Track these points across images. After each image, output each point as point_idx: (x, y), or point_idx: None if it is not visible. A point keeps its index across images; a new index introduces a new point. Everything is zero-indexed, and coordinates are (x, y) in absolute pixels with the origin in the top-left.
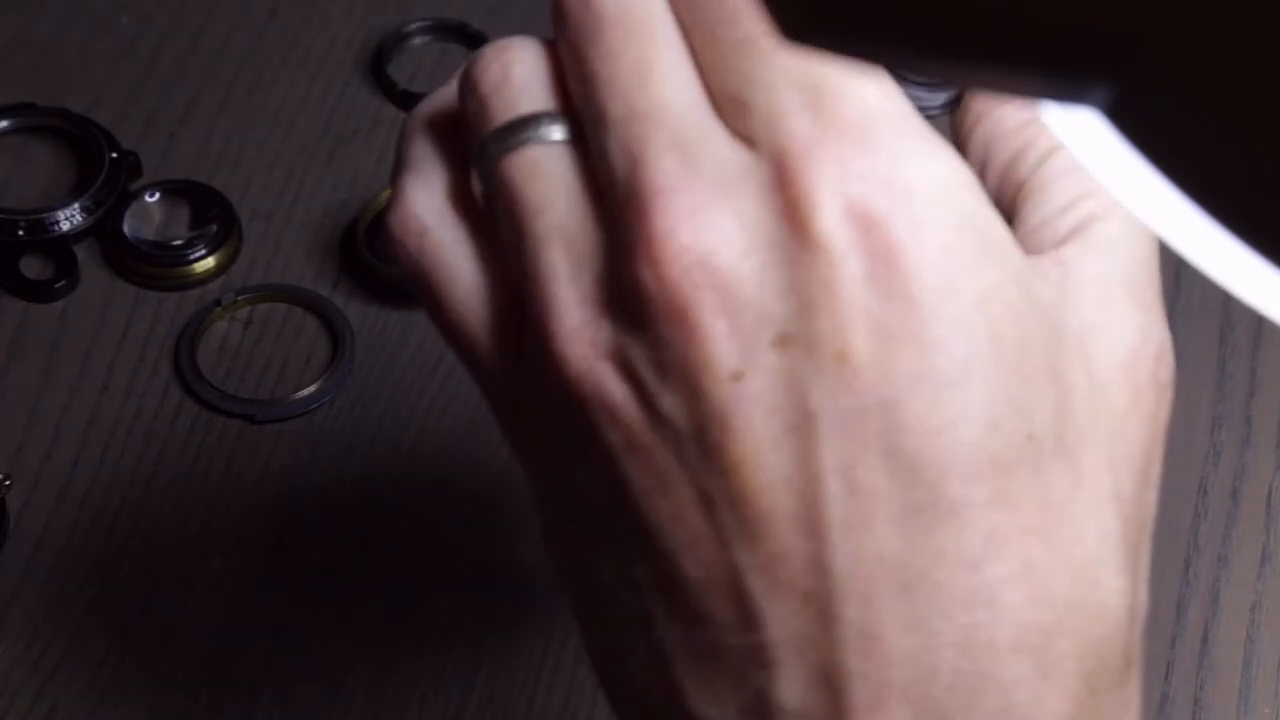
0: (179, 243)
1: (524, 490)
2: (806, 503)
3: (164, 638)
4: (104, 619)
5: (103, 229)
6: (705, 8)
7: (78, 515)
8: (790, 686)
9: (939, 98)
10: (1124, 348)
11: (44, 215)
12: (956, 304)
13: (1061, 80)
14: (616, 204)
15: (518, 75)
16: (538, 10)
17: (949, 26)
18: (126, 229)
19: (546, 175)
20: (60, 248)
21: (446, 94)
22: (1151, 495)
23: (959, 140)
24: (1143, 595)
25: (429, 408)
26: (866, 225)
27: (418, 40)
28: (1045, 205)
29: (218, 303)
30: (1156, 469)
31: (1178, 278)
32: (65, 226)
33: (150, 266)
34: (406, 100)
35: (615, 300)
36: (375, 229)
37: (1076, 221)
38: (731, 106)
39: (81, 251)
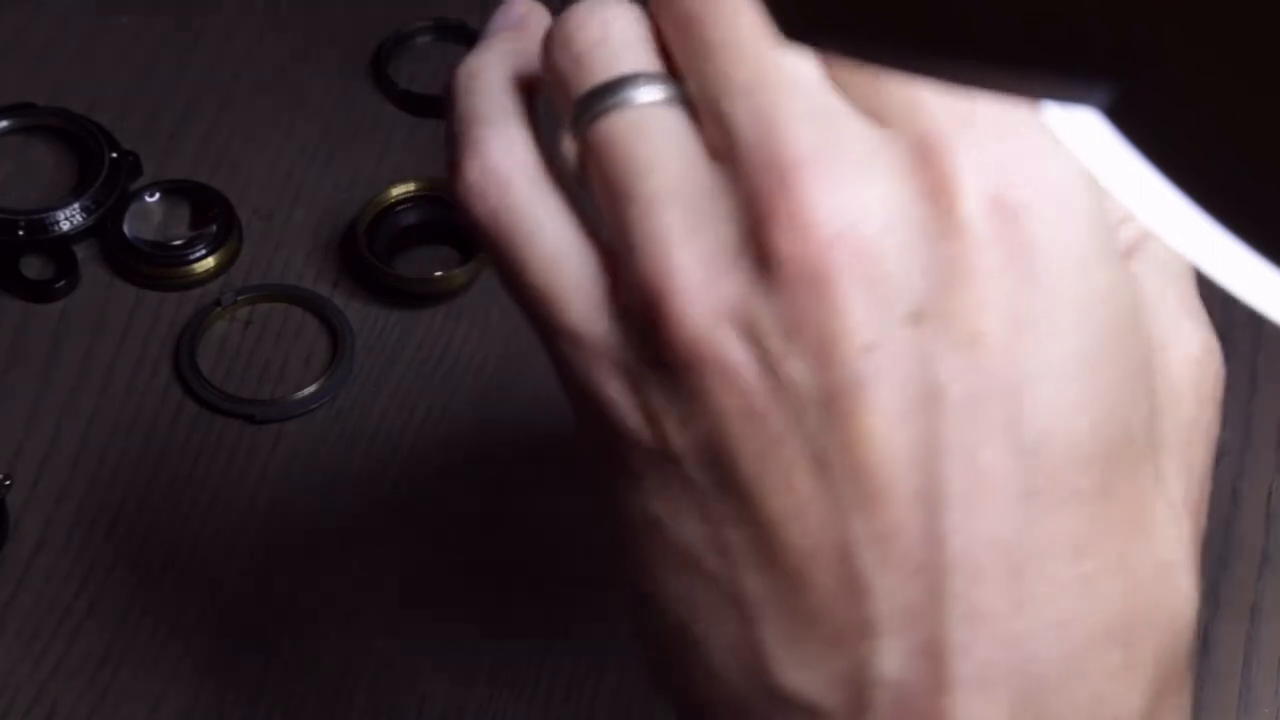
0: (179, 243)
1: (524, 490)
2: (928, 478)
3: (164, 637)
4: (104, 619)
5: (103, 229)
6: None
7: (78, 515)
8: (892, 658)
9: None
10: (1192, 362)
11: (44, 215)
12: (1086, 297)
13: (1061, 80)
14: (747, 170)
15: (617, 33)
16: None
17: (949, 26)
18: (126, 229)
19: (655, 135)
20: (60, 248)
21: (504, 49)
22: (1205, 502)
23: None
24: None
25: (429, 408)
26: (1008, 214)
27: (418, 40)
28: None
29: (218, 303)
30: (1210, 482)
31: None
32: (65, 226)
33: (150, 266)
34: (406, 100)
35: (742, 264)
36: (375, 229)
37: (1132, 237)
38: (861, 86)
39: (81, 251)
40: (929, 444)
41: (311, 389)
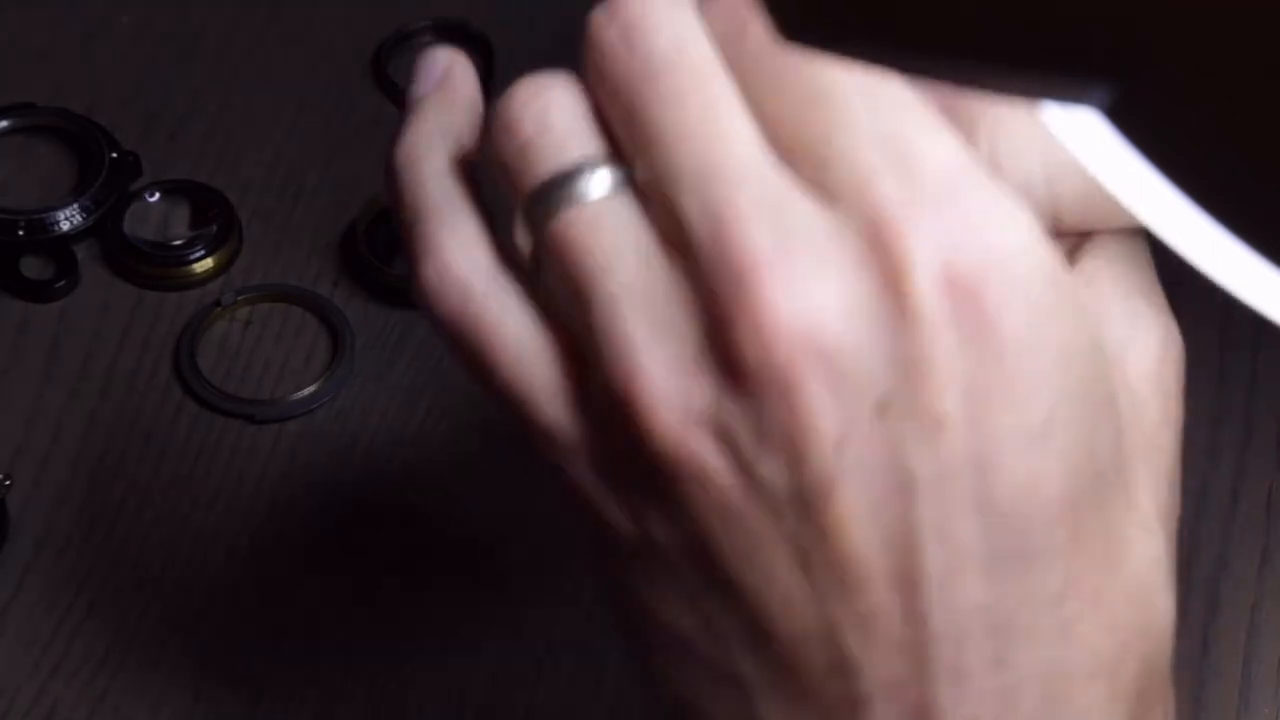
0: (179, 243)
1: (525, 490)
2: (904, 560)
3: (164, 637)
4: (104, 619)
5: (103, 229)
6: (765, 56)
7: (78, 515)
8: None
9: None
10: (1153, 359)
11: (44, 215)
12: (1043, 360)
13: (1061, 80)
14: (702, 269)
15: (558, 119)
16: (539, 10)
17: (949, 27)
18: (126, 229)
19: (609, 232)
20: (60, 248)
21: (437, 125)
22: (1177, 497)
23: None
24: (1172, 606)
25: (429, 407)
26: (962, 294)
27: (418, 40)
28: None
29: (218, 303)
30: (1179, 470)
31: (1178, 278)
32: (65, 226)
33: (150, 266)
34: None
35: (707, 368)
36: (375, 229)
37: (1075, 238)
38: (808, 161)
39: (81, 251)
40: (903, 528)
41: (311, 389)
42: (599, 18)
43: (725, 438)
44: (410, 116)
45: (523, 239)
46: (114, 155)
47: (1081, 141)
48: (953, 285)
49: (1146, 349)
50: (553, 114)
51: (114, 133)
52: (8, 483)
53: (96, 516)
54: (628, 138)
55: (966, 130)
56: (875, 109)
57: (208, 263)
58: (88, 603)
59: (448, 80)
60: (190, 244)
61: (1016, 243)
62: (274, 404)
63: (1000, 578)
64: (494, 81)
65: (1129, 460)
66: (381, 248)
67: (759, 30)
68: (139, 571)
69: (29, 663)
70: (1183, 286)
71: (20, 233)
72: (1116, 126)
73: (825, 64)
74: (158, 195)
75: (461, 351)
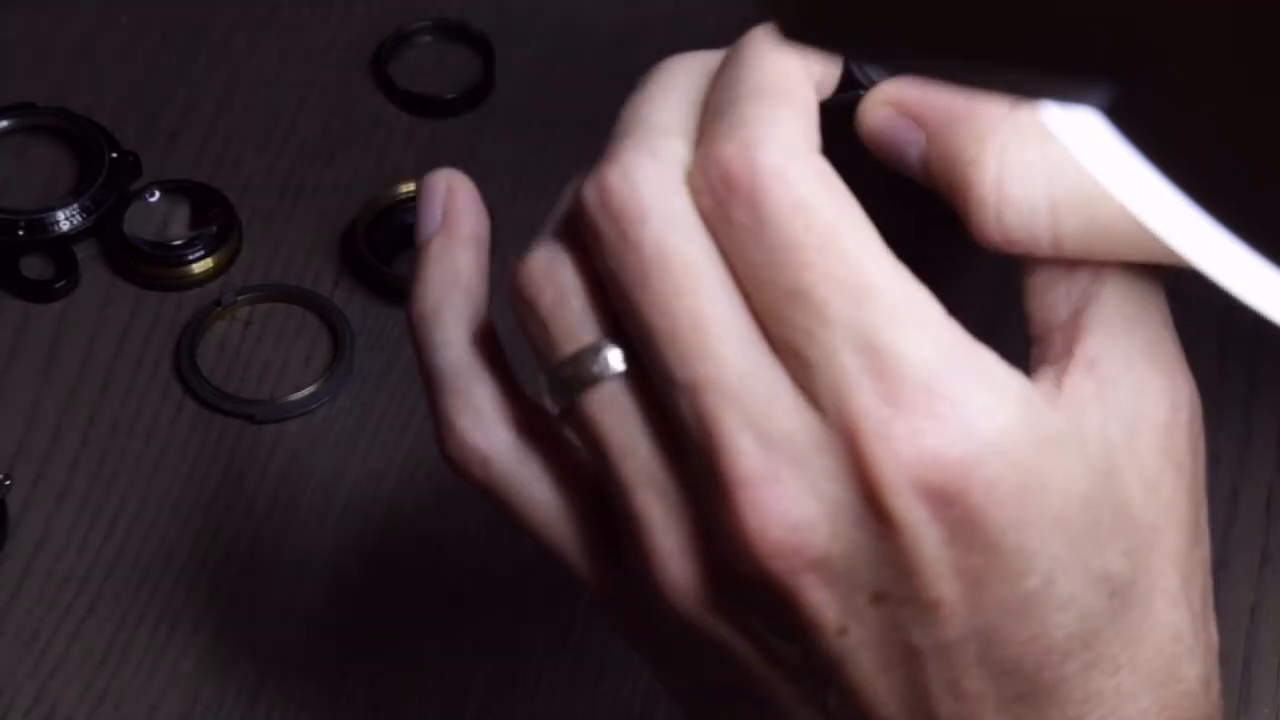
0: (179, 243)
1: None
2: (921, 712)
3: (164, 637)
4: (104, 619)
5: (103, 229)
6: (751, 251)
7: (78, 515)
8: None
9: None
10: (1161, 430)
11: (44, 215)
12: (1034, 534)
13: (1061, 80)
14: (698, 472)
15: (573, 297)
16: (539, 10)
17: (949, 26)
18: (126, 229)
19: (626, 411)
20: (60, 248)
21: (449, 279)
22: (1203, 548)
23: None
24: (1213, 634)
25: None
26: (940, 498)
27: (418, 40)
28: (1049, 264)
29: (218, 303)
30: (1204, 516)
31: (1178, 278)
32: (65, 226)
33: (150, 266)
34: (407, 100)
35: (717, 564)
36: (375, 229)
37: (1083, 288)
38: (791, 358)
39: (81, 251)
40: (915, 687)
41: (311, 389)
42: (589, 196)
43: (739, 622)
44: (418, 267)
45: (551, 403)
46: (114, 155)
47: (1081, 141)
48: (929, 492)
49: (1154, 419)
50: (567, 291)
51: (114, 133)
52: (8, 483)
53: (96, 516)
54: (629, 330)
55: (976, 146)
56: (856, 305)
57: (208, 263)
58: (88, 603)
59: (450, 218)
60: (190, 244)
61: (994, 434)
62: (274, 404)
63: (1015, 713)
64: (494, 81)
65: (1148, 547)
66: (381, 248)
67: (743, 211)
68: (139, 571)
69: (29, 663)
70: (1183, 287)
71: (20, 233)
72: (1116, 126)
73: (810, 246)
74: (158, 195)
75: (499, 508)
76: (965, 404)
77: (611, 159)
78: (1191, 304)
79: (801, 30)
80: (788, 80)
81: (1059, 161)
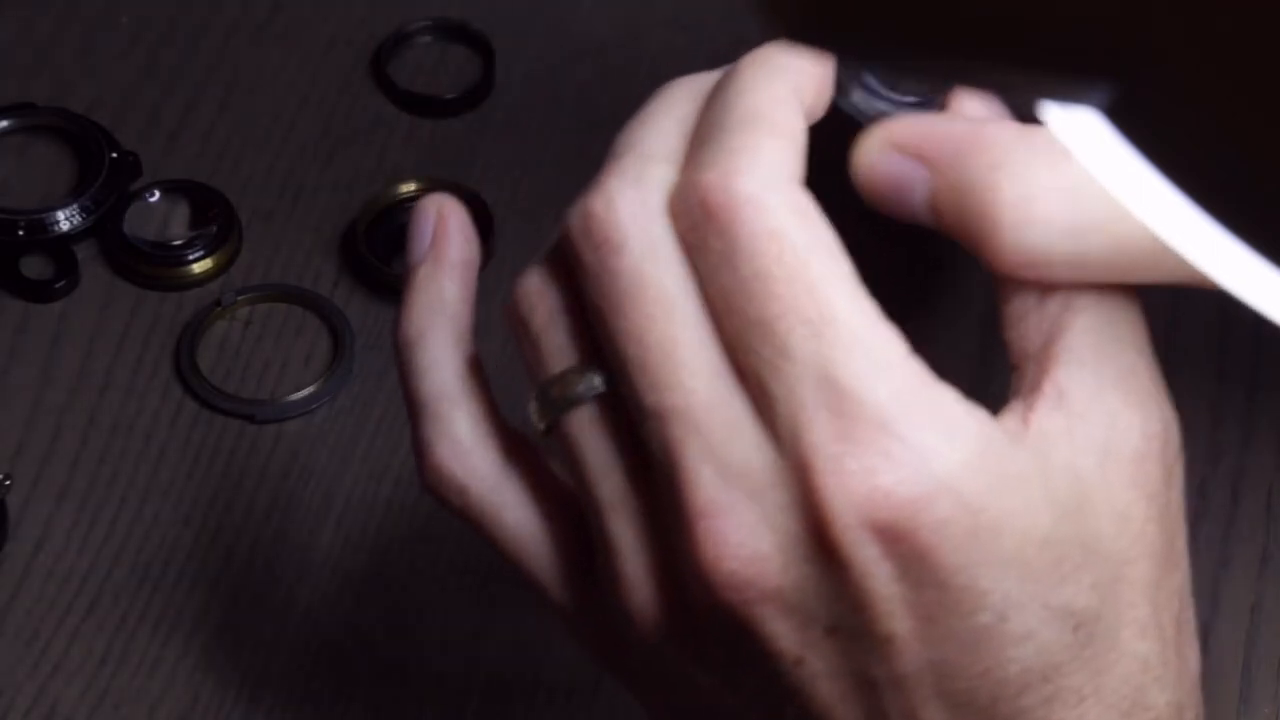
0: (179, 243)
1: None
2: None
3: (164, 637)
4: (104, 619)
5: (103, 229)
6: (724, 279)
7: (78, 515)
8: None
9: (899, 113)
10: (1131, 461)
11: (44, 215)
12: (984, 570)
13: (1061, 80)
14: (663, 498)
15: (561, 318)
16: (537, 10)
17: (949, 26)
18: (126, 229)
19: (602, 436)
20: (60, 248)
21: (436, 302)
22: (1179, 574)
23: None
24: (1192, 662)
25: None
26: (890, 536)
27: (418, 40)
28: (1022, 293)
29: (218, 303)
30: (1181, 542)
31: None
32: (65, 226)
33: (150, 266)
34: (407, 100)
35: (680, 591)
36: (375, 229)
37: (1054, 318)
38: (756, 389)
39: (81, 251)
40: (873, 715)
41: (311, 389)
42: (574, 224)
43: (700, 649)
44: (405, 292)
45: (536, 419)
46: (114, 155)
47: (1081, 141)
48: (879, 529)
49: (1125, 451)
50: (556, 313)
51: (114, 133)
52: (8, 483)
53: (96, 516)
54: (607, 355)
55: (992, 173)
56: (818, 338)
57: (208, 263)
58: (88, 603)
59: (438, 243)
60: (190, 244)
61: (947, 473)
62: (274, 404)
63: None
64: (494, 81)
65: (1116, 578)
66: (381, 248)
67: (718, 238)
68: (139, 571)
69: (29, 663)
70: (1183, 286)
71: (20, 233)
72: (1116, 126)
73: (778, 277)
74: (158, 195)
75: (474, 530)
76: (919, 443)
77: (597, 186)
78: (1192, 304)
79: (801, 30)
80: (776, 109)
81: (1078, 183)
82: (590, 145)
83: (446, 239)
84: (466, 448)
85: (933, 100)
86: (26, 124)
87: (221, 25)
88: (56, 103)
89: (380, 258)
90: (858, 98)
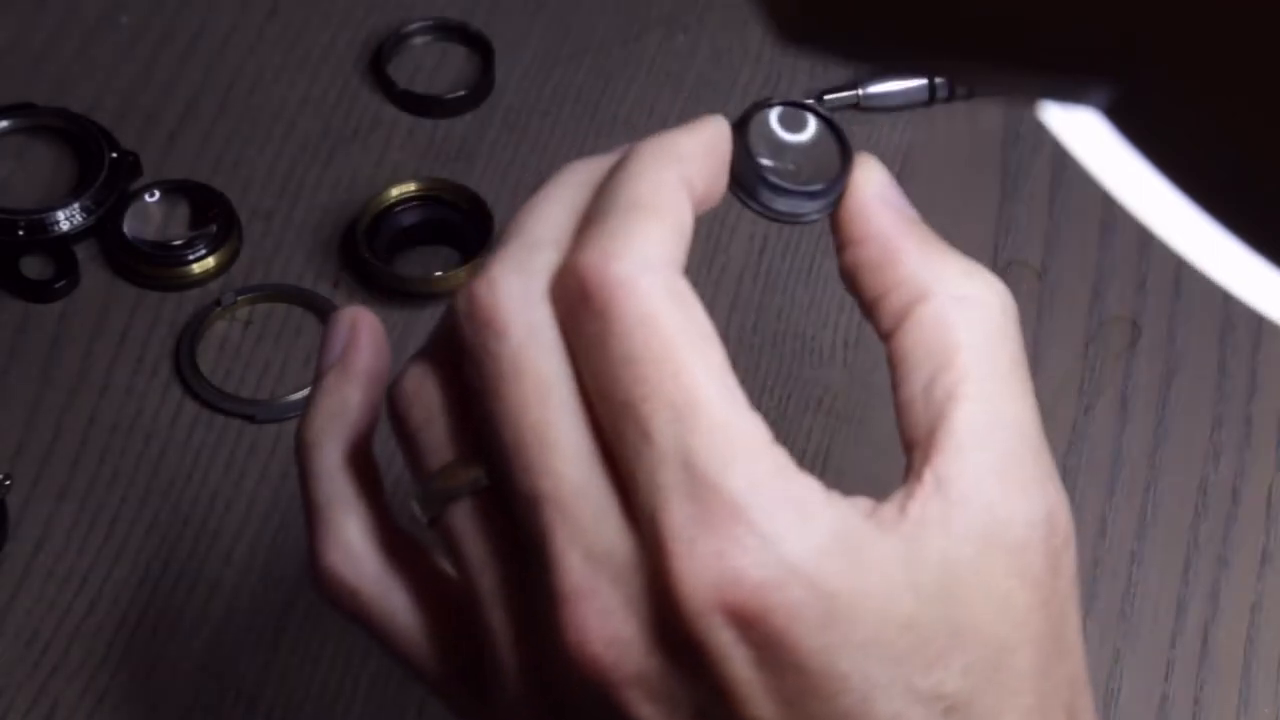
0: (179, 243)
1: None
2: None
3: (164, 638)
4: (104, 619)
5: (103, 229)
6: (597, 362)
7: (78, 515)
8: None
9: (815, 205)
10: (1014, 550)
11: (44, 215)
12: (842, 653)
13: (1061, 80)
14: (535, 583)
15: (439, 415)
16: (537, 10)
17: (949, 27)
18: (126, 229)
19: (478, 530)
20: (60, 248)
21: (335, 409)
22: (1071, 662)
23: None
24: None
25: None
26: (743, 620)
27: (418, 40)
28: (909, 382)
29: (218, 303)
30: (1072, 630)
31: (1178, 278)
32: (65, 226)
33: (150, 266)
34: (406, 100)
35: (551, 677)
36: (375, 229)
37: (939, 407)
38: (622, 472)
39: (81, 251)
40: None
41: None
42: (459, 307)
43: None
44: (311, 396)
45: (420, 513)
46: (114, 155)
47: (1081, 141)
48: (731, 612)
49: (1004, 539)
50: (434, 409)
51: (114, 133)
52: (8, 483)
53: (96, 516)
54: (485, 443)
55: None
56: (679, 423)
57: (208, 263)
58: (88, 603)
59: (349, 353)
60: (190, 244)
61: (800, 558)
62: (274, 404)
63: None
64: (494, 81)
65: (996, 661)
66: (381, 248)
67: (592, 321)
68: (139, 571)
69: (29, 663)
70: (1183, 287)
71: (20, 233)
72: (1116, 126)
73: (646, 360)
74: (158, 195)
75: (369, 635)
76: (770, 529)
77: (484, 271)
78: (1192, 304)
79: (801, 31)
80: (660, 195)
81: None
82: (590, 145)
83: (356, 350)
84: (356, 553)
85: (836, 186)
86: (26, 124)
87: (221, 25)
88: (56, 103)
89: (380, 258)
90: (750, 186)
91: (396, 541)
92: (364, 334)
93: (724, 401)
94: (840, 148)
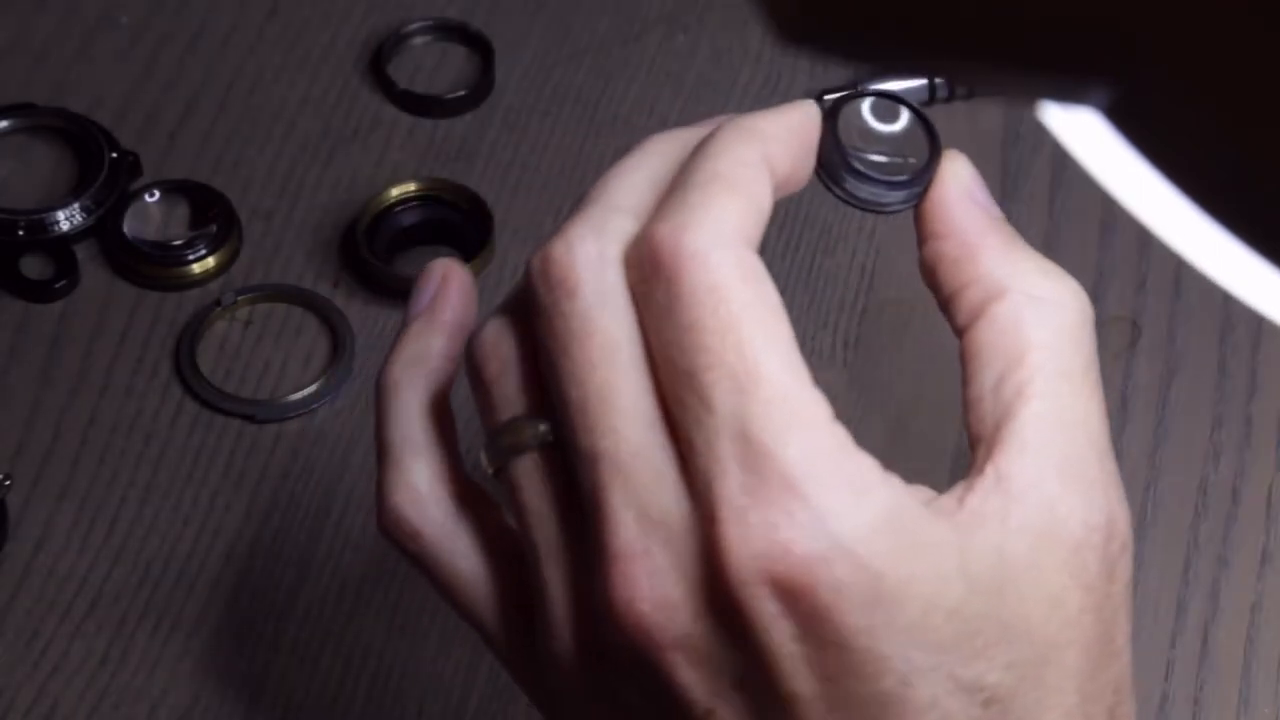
0: (179, 243)
1: None
2: None
3: (164, 637)
4: (104, 619)
5: (103, 229)
6: (664, 330)
7: (78, 515)
8: None
9: (899, 195)
10: (1071, 550)
11: (44, 215)
12: (885, 635)
13: (1061, 80)
14: (590, 537)
15: (514, 368)
16: (537, 10)
17: (949, 27)
18: (126, 229)
19: (543, 483)
20: (60, 248)
21: (418, 354)
22: (1117, 667)
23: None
24: None
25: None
26: (789, 594)
27: (418, 40)
28: (980, 378)
29: (218, 303)
30: (1121, 636)
31: (1178, 278)
32: (65, 226)
33: (150, 266)
34: (406, 100)
35: (598, 635)
36: (375, 229)
37: (1007, 404)
38: (682, 439)
39: (81, 251)
40: None
41: (311, 389)
42: (534, 266)
43: (616, 698)
44: (396, 341)
45: (486, 463)
46: (114, 155)
47: (1081, 141)
48: (777, 584)
49: (1062, 538)
50: (509, 362)
51: (114, 133)
52: (8, 483)
53: (96, 516)
54: (551, 397)
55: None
56: (741, 394)
57: (208, 263)
58: (88, 603)
59: (437, 302)
60: (190, 244)
61: (847, 538)
62: (274, 404)
63: None
64: (494, 81)
65: (1044, 661)
66: (381, 248)
67: (662, 290)
68: (139, 571)
69: (29, 663)
70: (1183, 287)
71: (20, 233)
72: (1116, 126)
73: (711, 330)
74: (158, 195)
75: (425, 576)
76: (822, 504)
77: (561, 231)
78: (1192, 304)
79: (801, 31)
80: (740, 172)
81: None
82: (590, 145)
83: (445, 300)
84: (422, 496)
85: (922, 178)
86: (26, 124)
87: (221, 25)
88: (56, 103)
89: (380, 258)
90: (837, 172)
91: (465, 492)
92: (454, 286)
93: (786, 375)
94: (930, 141)
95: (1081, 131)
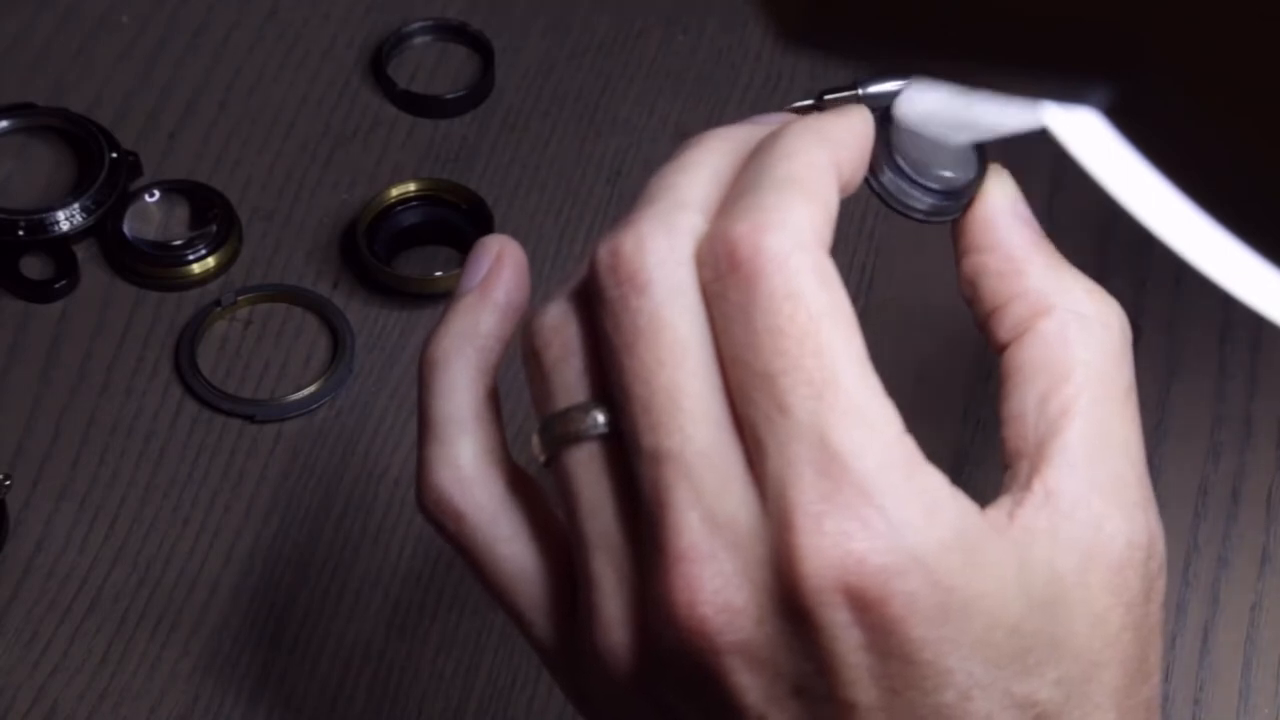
0: (179, 243)
1: None
2: None
3: (164, 637)
4: (104, 619)
5: (103, 229)
6: (737, 329)
7: (78, 515)
8: None
9: (943, 205)
10: (1112, 568)
11: (44, 215)
12: (950, 649)
13: (1061, 80)
14: (648, 536)
15: (574, 356)
16: (538, 11)
17: (949, 27)
18: (126, 229)
19: (597, 473)
20: (60, 248)
21: (468, 330)
22: (1150, 686)
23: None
24: None
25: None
26: (861, 604)
27: (418, 40)
28: (1022, 393)
29: (218, 303)
30: (1155, 656)
31: (1178, 278)
32: (65, 226)
33: (150, 266)
34: (407, 100)
35: (651, 635)
36: (375, 229)
37: (1051, 421)
38: (752, 441)
39: (81, 251)
40: None
41: (311, 389)
42: (601, 259)
43: (664, 699)
44: (443, 313)
45: (538, 450)
46: (114, 155)
47: (1082, 141)
48: (849, 594)
49: (1107, 556)
50: (569, 349)
51: (114, 133)
52: (8, 483)
53: (96, 516)
54: (614, 395)
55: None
56: (818, 399)
57: (208, 263)
58: (88, 603)
59: (490, 279)
60: (190, 244)
61: (922, 551)
62: (274, 404)
63: None
64: (494, 81)
65: (1086, 677)
66: (381, 248)
67: (738, 289)
68: (139, 571)
69: (29, 663)
70: (1183, 287)
71: (20, 233)
72: (1116, 126)
73: (790, 335)
74: (158, 195)
75: (465, 560)
76: (898, 516)
77: (630, 225)
78: (1192, 304)
79: (802, 31)
80: (814, 176)
81: None
82: (590, 145)
83: (498, 277)
84: (468, 475)
85: (967, 192)
86: (26, 124)
87: (221, 25)
88: (56, 103)
89: (380, 258)
90: (887, 179)
91: (510, 474)
92: (508, 264)
93: (862, 384)
94: (978, 154)
95: (1081, 131)
